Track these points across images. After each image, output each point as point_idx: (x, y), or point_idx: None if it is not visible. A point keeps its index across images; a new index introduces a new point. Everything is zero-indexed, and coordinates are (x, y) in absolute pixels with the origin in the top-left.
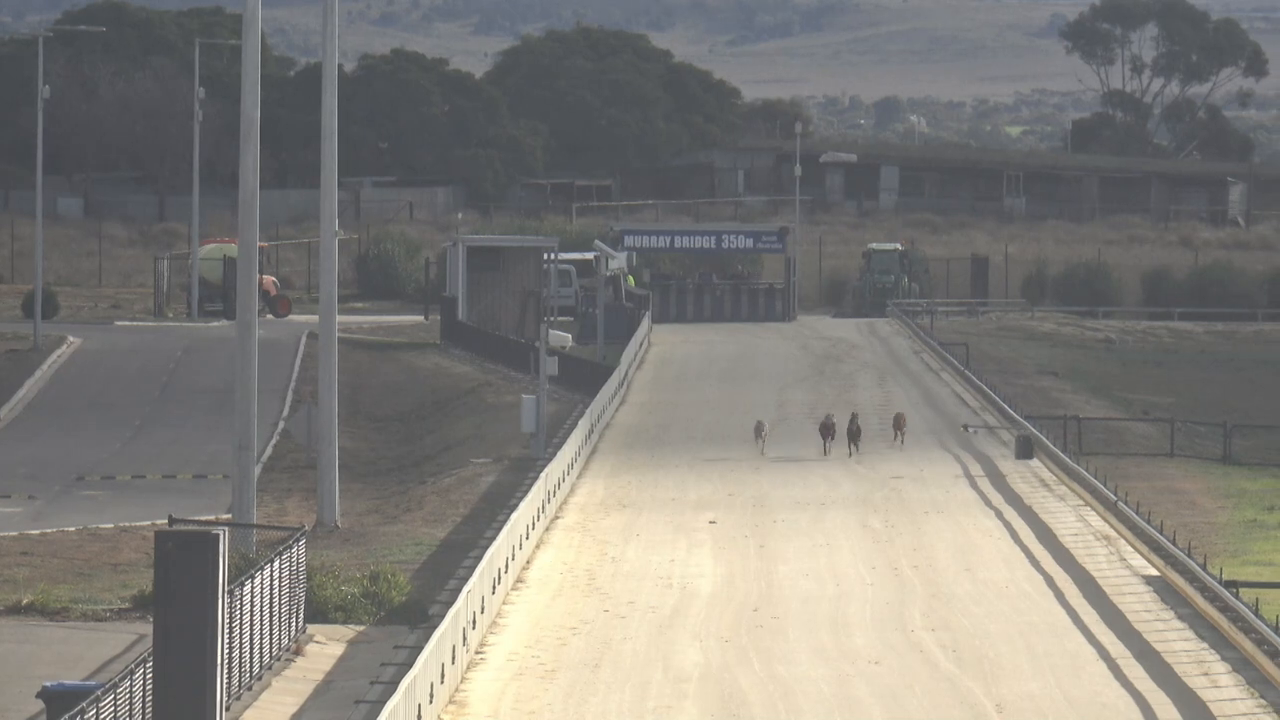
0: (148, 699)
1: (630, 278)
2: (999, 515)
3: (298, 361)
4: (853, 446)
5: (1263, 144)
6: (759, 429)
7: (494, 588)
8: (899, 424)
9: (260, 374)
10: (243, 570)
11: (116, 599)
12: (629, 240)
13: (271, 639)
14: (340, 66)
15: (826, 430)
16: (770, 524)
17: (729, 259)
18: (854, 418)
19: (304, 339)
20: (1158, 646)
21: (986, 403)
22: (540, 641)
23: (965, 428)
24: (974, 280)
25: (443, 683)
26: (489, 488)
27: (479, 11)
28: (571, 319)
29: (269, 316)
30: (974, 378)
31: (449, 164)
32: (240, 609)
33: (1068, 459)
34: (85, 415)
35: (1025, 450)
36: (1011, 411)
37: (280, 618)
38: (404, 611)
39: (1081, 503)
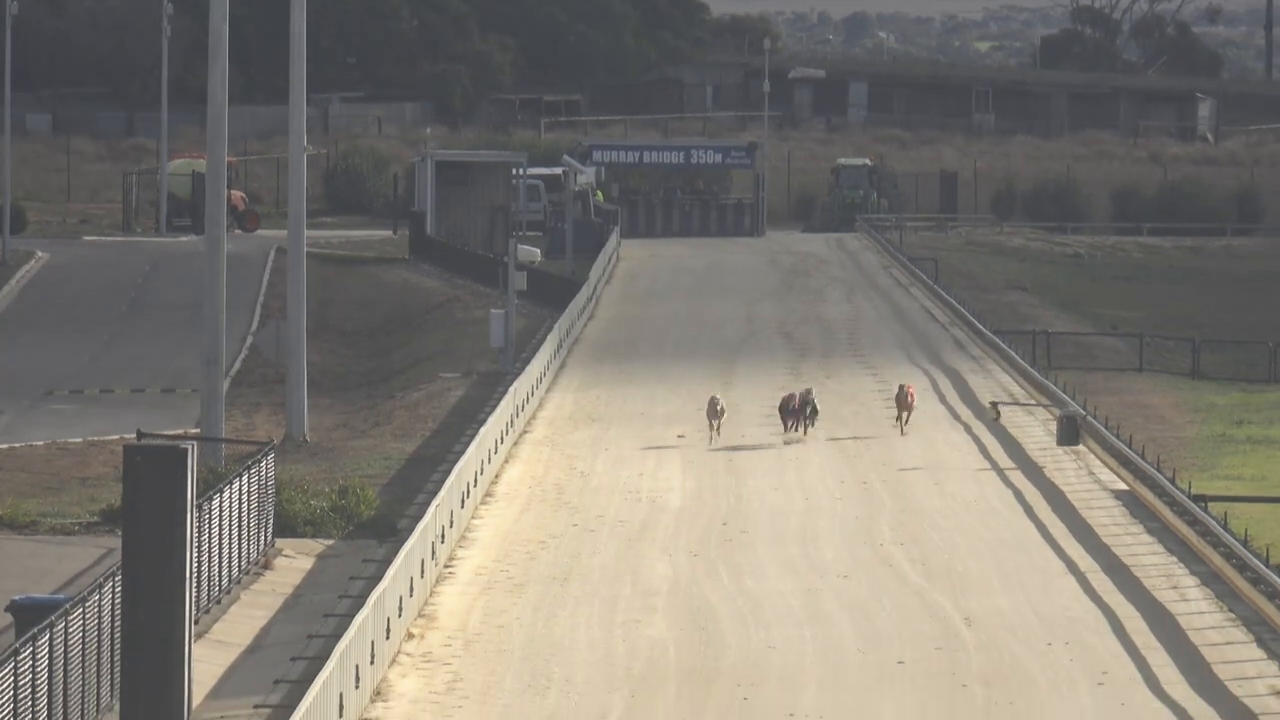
0: (116, 612)
1: (599, 193)
2: (968, 430)
3: (266, 276)
4: (805, 425)
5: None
6: (713, 407)
7: (463, 502)
8: (905, 403)
9: (228, 289)
10: (211, 484)
11: (85, 513)
12: (597, 155)
13: (240, 553)
14: None
15: (788, 410)
16: (739, 438)
17: (697, 175)
18: (807, 393)
19: (272, 254)
20: (1126, 560)
21: (955, 318)
22: (509, 555)
23: (993, 405)
24: (943, 195)
25: (411, 596)
26: (457, 402)
27: None
28: (540, 234)
29: (237, 231)
30: (943, 292)
31: (417, 79)
32: (209, 523)
33: (1036, 373)
34: (53, 330)
35: (1070, 435)
36: (981, 326)
37: (249, 532)
38: (372, 526)
39: (1050, 417)
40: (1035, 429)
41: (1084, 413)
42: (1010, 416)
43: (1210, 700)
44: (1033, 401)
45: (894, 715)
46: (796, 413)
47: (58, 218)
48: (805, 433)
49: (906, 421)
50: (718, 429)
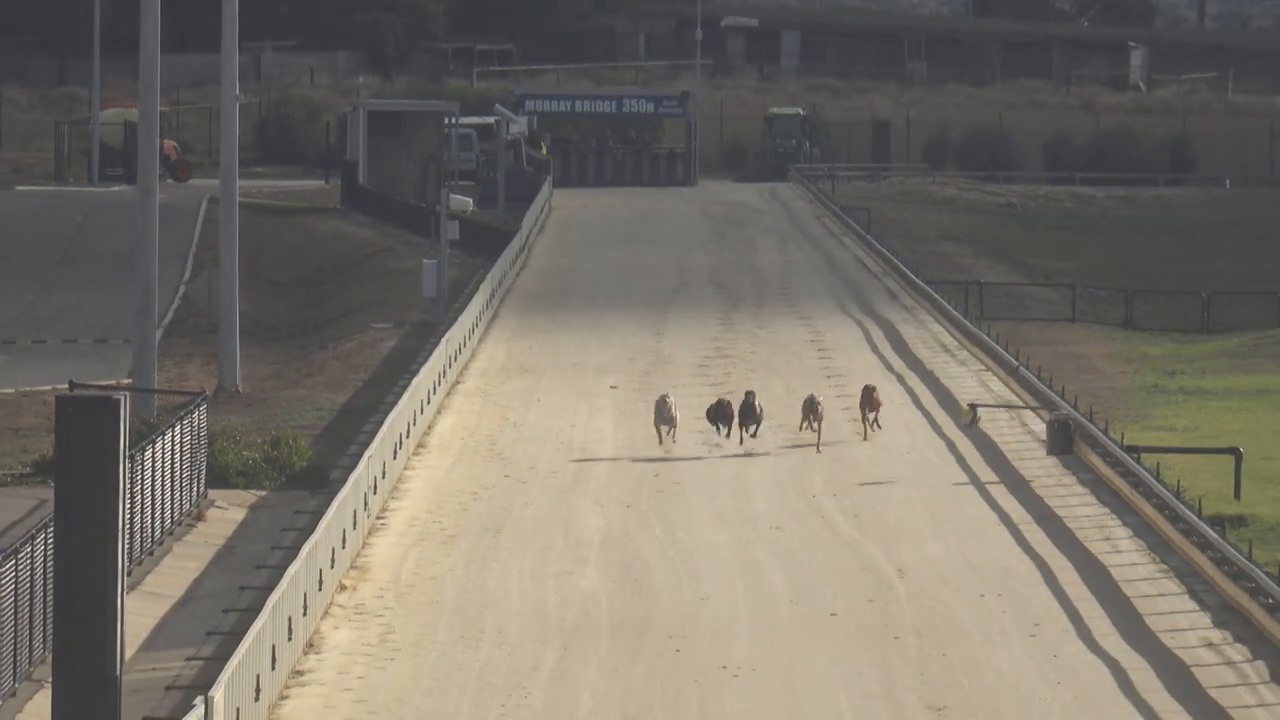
0: (49, 564)
1: (544, 145)
2: (900, 380)
3: (198, 226)
4: (745, 433)
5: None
6: (662, 412)
7: (395, 453)
8: (871, 403)
9: (161, 239)
10: (144, 435)
11: (17, 464)
12: (530, 105)
13: (173, 504)
14: None
15: (721, 414)
16: (671, 389)
17: (630, 124)
18: (749, 398)
19: (205, 204)
20: (1059, 511)
21: (888, 267)
22: (441, 507)
23: (971, 407)
24: (875, 145)
25: (344, 548)
26: (390, 352)
27: None
28: (472, 184)
29: (170, 181)
30: (875, 242)
31: (350, 28)
32: (141, 474)
33: (969, 324)
34: None
35: (1063, 443)
36: (913, 276)
37: (181, 483)
38: (305, 476)
39: (983, 368)
40: (967, 379)
41: (1015, 362)
42: (943, 367)
43: (1142, 651)
44: (1020, 404)
45: (827, 666)
46: (730, 419)
47: None
48: (741, 443)
49: (874, 423)
50: (672, 436)
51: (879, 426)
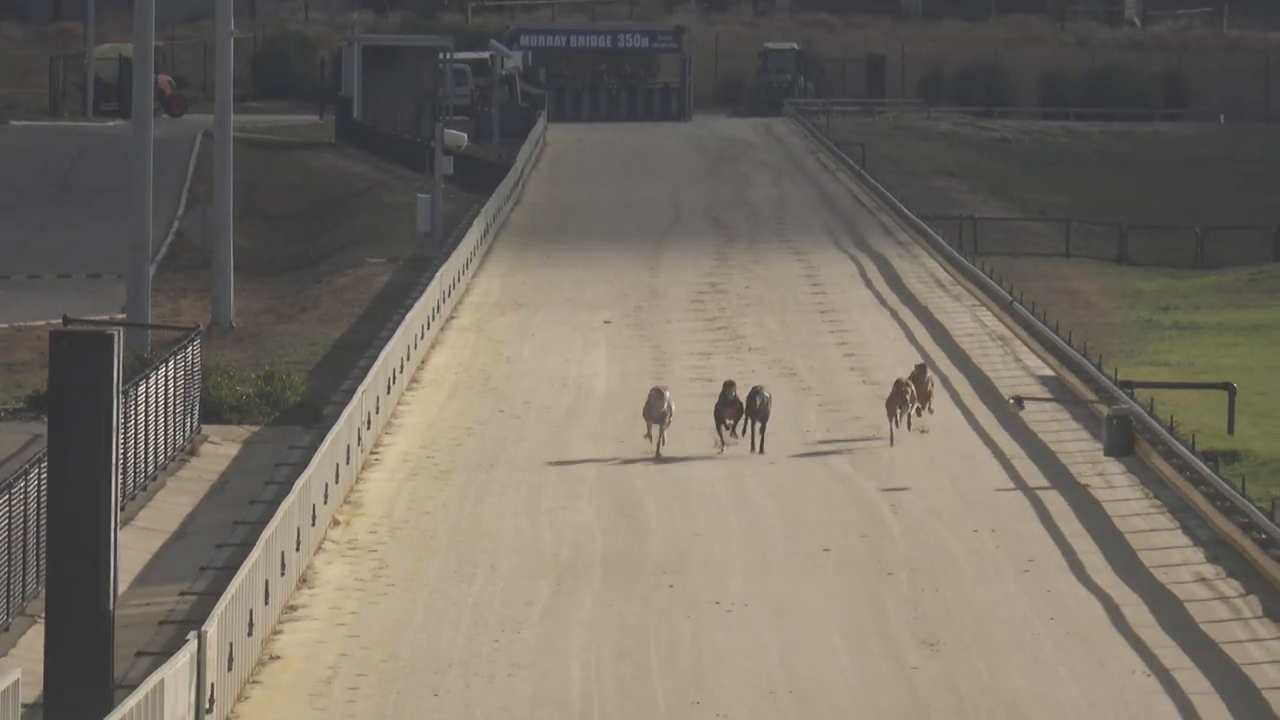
0: (42, 499)
1: (539, 80)
2: (894, 315)
3: (193, 161)
4: (755, 430)
5: None
6: (655, 408)
7: (389, 388)
8: (918, 392)
9: (155, 174)
10: (137, 370)
11: (11, 399)
12: (524, 40)
13: (166, 439)
14: None
15: (729, 409)
16: (665, 324)
17: (624, 59)
18: (755, 394)
19: (199, 139)
20: (1052, 446)
21: (882, 203)
22: (435, 442)
23: (1015, 399)
24: (870, 80)
25: (337, 483)
26: (384, 287)
27: None
28: (467, 118)
29: (164, 116)
30: (869, 177)
31: None
32: (135, 409)
33: (963, 259)
34: None
35: (1123, 443)
36: (908, 211)
37: (175, 418)
38: (299, 412)
39: (977, 303)
40: (961, 314)
41: (1009, 297)
42: (938, 302)
43: (1135, 587)
44: (1073, 397)
45: (820, 602)
46: (738, 412)
47: None
48: (757, 446)
49: (918, 414)
50: (662, 438)
51: (931, 410)
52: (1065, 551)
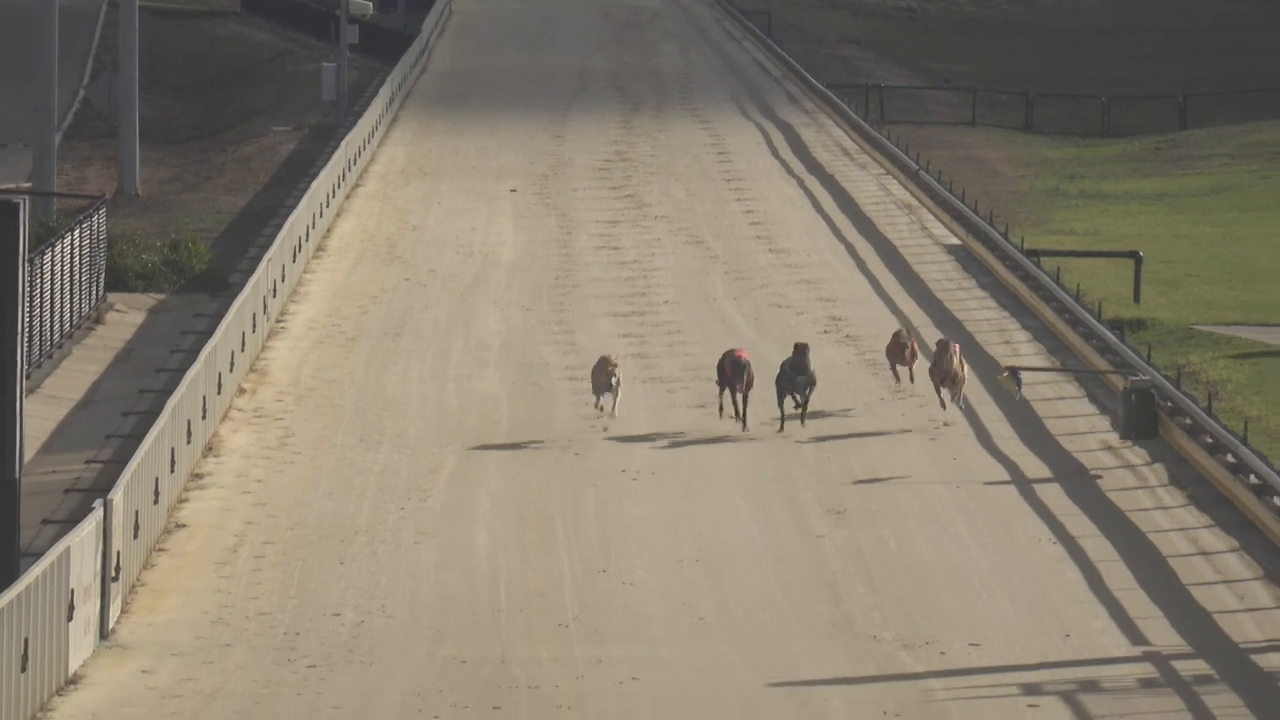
0: None
1: None
2: (800, 184)
3: (98, 30)
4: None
5: None
6: (604, 376)
7: (295, 256)
8: (952, 374)
9: (61, 42)
10: (43, 239)
11: None
12: None
13: (72, 307)
14: None
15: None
16: (571, 193)
17: None
18: (801, 354)
19: (104, 7)
20: (959, 315)
21: (788, 71)
22: (341, 310)
23: (1010, 371)
24: None
25: (243, 351)
26: (289, 156)
27: None
28: None
29: None
30: (776, 46)
31: None
32: (40, 277)
33: (869, 127)
34: None
35: (1143, 425)
36: (813, 80)
37: (81, 286)
38: (205, 280)
39: (883, 171)
40: (868, 183)
41: (915, 166)
42: (844, 171)
43: (1042, 455)
44: (1080, 367)
45: (726, 472)
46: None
47: None
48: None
49: (954, 399)
50: (613, 407)
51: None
52: (970, 419)
